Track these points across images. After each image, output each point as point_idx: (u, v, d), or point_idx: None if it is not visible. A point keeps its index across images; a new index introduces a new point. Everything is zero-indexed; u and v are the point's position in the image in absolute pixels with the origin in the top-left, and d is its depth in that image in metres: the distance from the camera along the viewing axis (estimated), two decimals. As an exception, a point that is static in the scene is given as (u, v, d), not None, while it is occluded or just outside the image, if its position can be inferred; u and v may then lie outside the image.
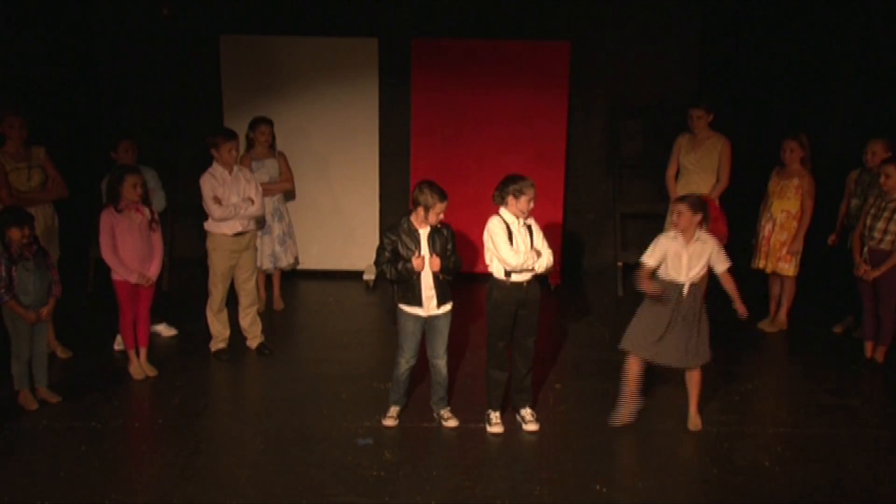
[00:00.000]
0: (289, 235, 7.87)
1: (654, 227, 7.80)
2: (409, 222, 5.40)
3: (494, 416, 5.59)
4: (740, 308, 5.52)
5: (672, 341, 5.46)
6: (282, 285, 8.06)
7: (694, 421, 5.61)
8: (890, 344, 6.68)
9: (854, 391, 6.29)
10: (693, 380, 5.58)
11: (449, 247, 5.45)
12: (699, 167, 7.41)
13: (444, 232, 5.47)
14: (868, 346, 6.79)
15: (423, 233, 5.40)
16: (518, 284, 5.40)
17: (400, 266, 5.35)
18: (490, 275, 5.50)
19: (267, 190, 7.37)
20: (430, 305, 5.44)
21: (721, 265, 5.47)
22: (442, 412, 5.65)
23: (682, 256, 5.40)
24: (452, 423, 5.60)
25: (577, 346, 7.12)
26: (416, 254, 5.35)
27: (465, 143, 8.72)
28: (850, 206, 7.18)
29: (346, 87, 8.70)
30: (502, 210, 5.43)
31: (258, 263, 7.40)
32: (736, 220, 7.87)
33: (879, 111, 7.79)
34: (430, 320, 5.50)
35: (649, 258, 5.47)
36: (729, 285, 5.51)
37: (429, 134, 8.74)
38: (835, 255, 7.30)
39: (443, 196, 5.34)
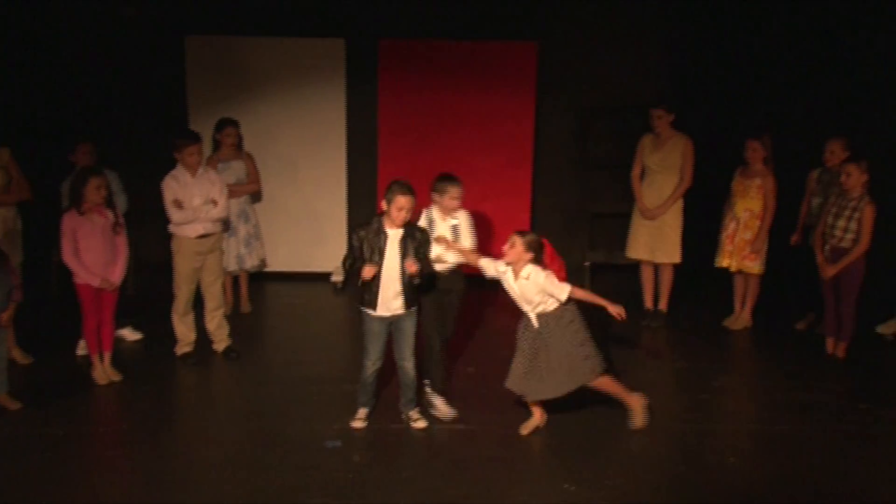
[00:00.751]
0: (255, 237, 7.82)
1: (623, 226, 7.89)
2: (380, 222, 5.37)
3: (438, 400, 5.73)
4: (613, 310, 5.21)
5: (542, 372, 5.39)
6: (249, 288, 8.01)
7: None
8: (850, 340, 6.79)
9: (817, 387, 6.37)
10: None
11: (422, 252, 5.42)
12: (662, 167, 7.47)
13: (418, 235, 5.42)
14: (829, 342, 6.90)
15: (394, 235, 5.34)
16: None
17: (349, 264, 5.36)
18: None
19: (233, 192, 7.33)
20: (393, 306, 5.41)
21: (561, 295, 5.26)
22: (411, 413, 5.64)
23: (512, 290, 5.38)
24: (421, 424, 5.59)
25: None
26: (371, 262, 5.29)
27: (433, 144, 8.72)
28: (811, 205, 7.28)
29: (313, 87, 8.68)
30: (432, 206, 5.74)
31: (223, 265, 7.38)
32: (703, 219, 8.00)
33: (839, 111, 7.91)
34: (395, 321, 5.48)
35: (486, 265, 5.48)
36: (587, 297, 5.34)
37: (397, 135, 8.73)
38: (797, 253, 7.40)
39: (405, 190, 5.26)
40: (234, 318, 7.48)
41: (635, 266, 7.86)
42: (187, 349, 6.69)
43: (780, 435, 5.59)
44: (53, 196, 6.77)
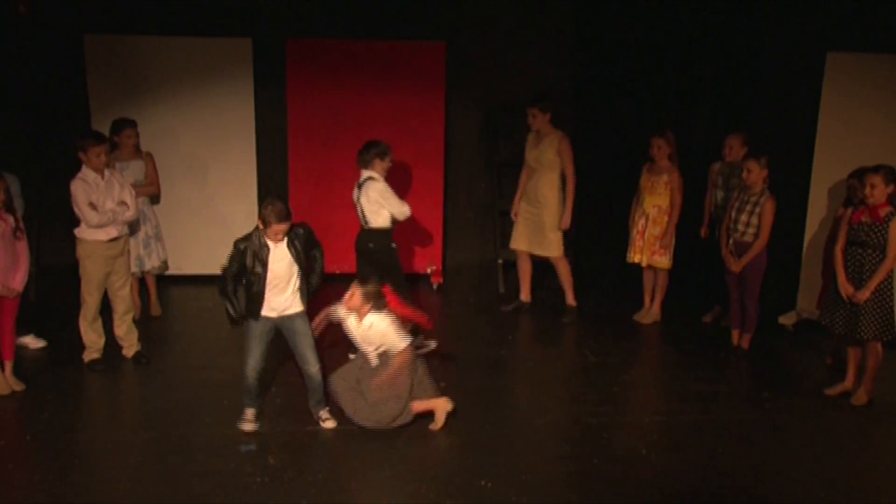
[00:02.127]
0: (155, 238, 7.63)
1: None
2: (260, 236, 5.33)
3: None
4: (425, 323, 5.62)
5: (363, 398, 5.51)
6: (157, 291, 7.83)
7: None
8: (754, 332, 7.02)
9: (723, 378, 6.59)
10: None
11: (314, 253, 5.48)
12: (539, 164, 7.57)
13: (301, 233, 5.39)
14: (735, 334, 7.12)
15: (279, 249, 5.32)
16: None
17: (232, 272, 5.32)
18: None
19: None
20: (280, 308, 5.41)
21: (399, 345, 5.39)
22: (321, 413, 5.61)
23: (354, 334, 5.49)
24: (330, 423, 5.57)
25: (460, 343, 7.18)
26: (252, 271, 5.28)
27: (343, 143, 8.66)
28: (716, 198, 7.50)
29: (220, 88, 8.51)
30: (373, 172, 6.20)
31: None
32: (610, 215, 8.17)
33: (738, 107, 8.18)
34: (283, 321, 5.45)
35: (333, 314, 5.53)
36: (407, 315, 5.48)
37: (307, 135, 8.66)
38: (703, 247, 7.62)
39: (281, 218, 5.24)
40: (142, 322, 7.30)
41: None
42: (95, 355, 6.50)
43: (689, 425, 5.75)
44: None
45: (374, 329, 5.36)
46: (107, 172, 6.35)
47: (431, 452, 5.33)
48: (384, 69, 8.58)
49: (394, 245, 6.59)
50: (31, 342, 6.83)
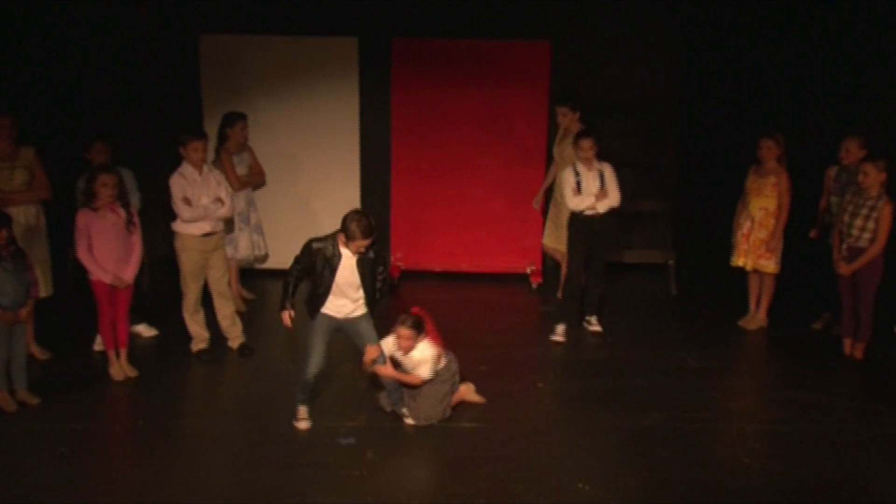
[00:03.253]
0: (261, 228, 7.94)
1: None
2: (335, 244, 5.35)
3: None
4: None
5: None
6: (261, 284, 8.06)
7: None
8: (868, 340, 6.74)
9: (833, 388, 6.33)
10: None
11: (380, 269, 5.49)
12: (562, 159, 7.71)
13: (370, 255, 5.38)
14: (847, 342, 6.85)
15: (350, 258, 5.33)
16: None
17: (297, 270, 5.41)
18: None
19: (245, 182, 7.61)
20: (344, 311, 5.48)
21: (424, 376, 5.52)
22: (403, 410, 5.65)
23: (405, 367, 5.57)
24: (411, 420, 5.61)
25: (557, 345, 7.12)
26: (321, 275, 5.34)
27: (445, 142, 8.73)
28: (829, 203, 7.24)
29: (327, 86, 8.69)
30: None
31: (243, 255, 7.63)
32: (716, 218, 7.97)
33: (854, 109, 7.86)
34: (347, 324, 5.51)
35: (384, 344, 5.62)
36: (390, 373, 5.58)
37: (409, 133, 8.74)
38: (813, 252, 7.36)
39: (367, 234, 5.23)
40: (246, 314, 7.50)
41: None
42: (202, 346, 6.72)
43: (794, 436, 5.57)
44: (72, 193, 6.81)
45: (421, 356, 5.49)
46: (205, 169, 6.54)
47: (526, 453, 5.31)
48: (488, 68, 8.59)
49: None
50: (144, 331, 7.11)
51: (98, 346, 6.57)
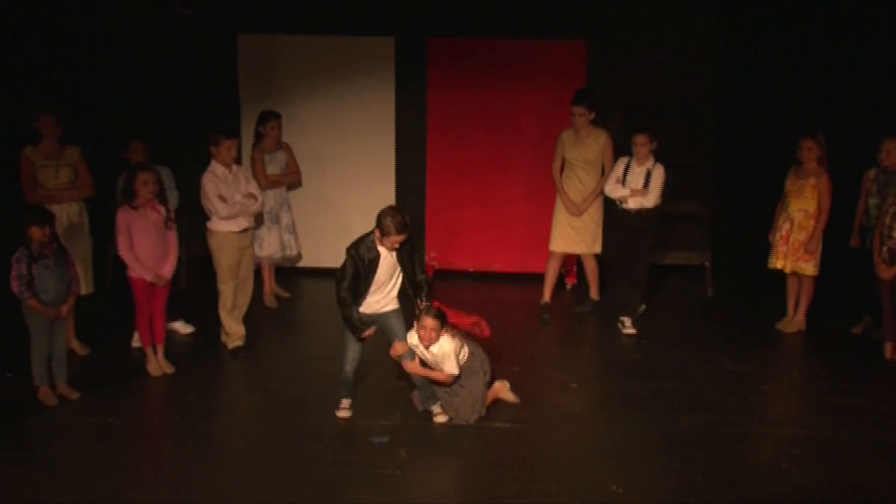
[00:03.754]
0: (294, 228, 7.99)
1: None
2: (372, 242, 5.40)
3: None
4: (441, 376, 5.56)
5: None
6: (295, 282, 8.11)
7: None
8: (910, 345, 6.63)
9: (873, 393, 6.23)
10: None
11: (416, 256, 5.55)
12: (582, 161, 7.49)
13: (407, 246, 5.44)
14: (888, 347, 6.74)
15: (387, 254, 5.40)
16: None
17: (347, 284, 5.42)
18: None
19: (278, 181, 7.68)
20: (377, 307, 5.55)
21: (450, 371, 5.49)
22: (433, 408, 5.65)
23: (428, 361, 5.53)
24: (441, 418, 5.61)
25: (592, 346, 7.11)
26: (365, 280, 5.40)
27: (481, 141, 8.72)
28: (868, 206, 7.13)
29: (363, 86, 8.73)
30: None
31: (268, 253, 7.67)
32: (754, 219, 7.88)
33: (894, 110, 7.73)
34: (379, 319, 5.56)
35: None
36: (423, 373, 5.57)
37: (445, 132, 8.75)
38: (853, 255, 7.26)
39: (402, 229, 5.30)
40: (280, 311, 7.57)
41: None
42: (238, 343, 6.77)
43: (834, 440, 5.48)
44: (111, 192, 6.90)
45: (441, 351, 5.46)
46: (234, 167, 6.62)
47: (560, 453, 5.29)
48: (523, 68, 8.58)
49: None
50: (181, 328, 7.19)
51: (136, 342, 6.65)
